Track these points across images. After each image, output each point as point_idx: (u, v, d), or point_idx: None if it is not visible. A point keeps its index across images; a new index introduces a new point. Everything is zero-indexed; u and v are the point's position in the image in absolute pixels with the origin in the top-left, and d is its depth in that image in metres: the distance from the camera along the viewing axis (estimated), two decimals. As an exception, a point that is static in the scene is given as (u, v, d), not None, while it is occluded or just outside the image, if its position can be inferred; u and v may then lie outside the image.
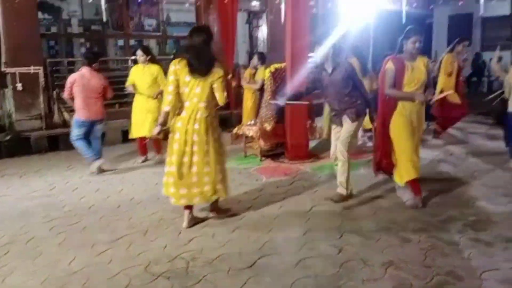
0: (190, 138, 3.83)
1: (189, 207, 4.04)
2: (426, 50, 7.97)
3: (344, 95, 4.42)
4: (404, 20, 10.93)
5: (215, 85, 3.84)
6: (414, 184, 4.31)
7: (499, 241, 3.51)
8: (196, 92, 3.82)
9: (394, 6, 11.22)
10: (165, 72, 5.91)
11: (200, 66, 3.80)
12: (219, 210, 4.31)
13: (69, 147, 7.57)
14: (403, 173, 4.29)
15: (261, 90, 7.13)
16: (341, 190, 4.57)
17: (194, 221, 4.07)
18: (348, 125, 4.44)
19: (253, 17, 12.73)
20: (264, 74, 7.04)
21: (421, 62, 4.17)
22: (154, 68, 6.29)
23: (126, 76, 9.45)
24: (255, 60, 7.83)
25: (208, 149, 3.88)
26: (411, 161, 4.22)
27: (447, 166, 5.87)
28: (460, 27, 15.28)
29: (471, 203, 4.38)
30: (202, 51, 3.82)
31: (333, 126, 4.71)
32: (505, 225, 3.82)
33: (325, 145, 7.30)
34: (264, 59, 7.81)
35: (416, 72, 4.14)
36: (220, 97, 3.87)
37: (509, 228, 3.76)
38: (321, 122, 7.81)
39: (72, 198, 5.03)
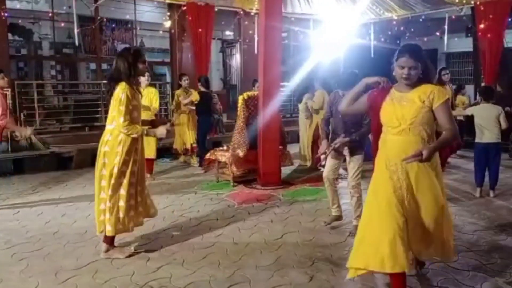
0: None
1: None
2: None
3: (353, 124, 4.27)
4: (372, 54, 11.38)
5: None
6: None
7: (466, 269, 3.57)
8: (110, 115, 3.82)
9: (363, 40, 11.64)
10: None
11: (107, 90, 3.88)
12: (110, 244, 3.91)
13: (35, 170, 7.40)
14: (352, 257, 3.03)
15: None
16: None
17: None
18: (352, 162, 4.36)
19: (226, 45, 12.93)
20: (195, 96, 7.72)
21: (415, 94, 2.83)
22: (152, 91, 6.78)
23: (97, 99, 9.40)
24: (199, 84, 8.10)
25: (101, 175, 3.77)
26: (373, 247, 2.84)
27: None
28: (426, 62, 15.91)
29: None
30: (111, 75, 3.90)
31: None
32: (472, 253, 3.90)
33: (296, 172, 7.39)
34: (207, 83, 8.17)
35: (403, 106, 2.84)
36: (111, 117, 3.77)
37: (476, 256, 3.83)
38: (300, 149, 7.92)
39: (36, 223, 4.85)
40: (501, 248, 4.03)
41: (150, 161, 6.71)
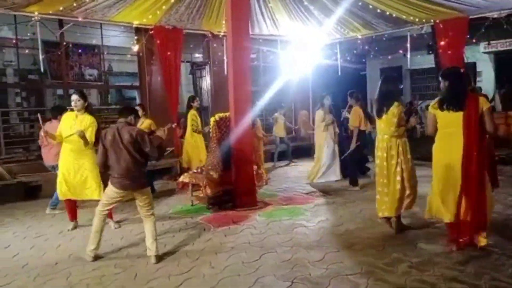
0: None
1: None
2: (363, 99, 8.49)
3: None
4: (340, 72, 11.64)
5: None
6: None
7: (443, 281, 3.62)
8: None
9: (330, 60, 11.90)
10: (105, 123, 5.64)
11: None
12: None
13: (1, 201, 7.13)
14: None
15: None
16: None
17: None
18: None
19: (196, 68, 12.95)
20: (146, 124, 7.29)
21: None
22: (88, 120, 5.35)
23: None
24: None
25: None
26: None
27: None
28: (391, 78, 16.40)
29: (413, 244, 4.53)
30: None
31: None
32: (446, 264, 3.97)
33: (272, 192, 7.39)
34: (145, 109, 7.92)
35: None
36: None
37: (450, 267, 3.90)
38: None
39: (4, 256, 4.65)
40: (475, 258, 4.10)
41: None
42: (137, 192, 4.38)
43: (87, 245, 4.48)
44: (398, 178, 4.74)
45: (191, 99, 8.42)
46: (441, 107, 4.15)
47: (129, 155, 4.26)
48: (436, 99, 4.28)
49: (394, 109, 4.71)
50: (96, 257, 4.45)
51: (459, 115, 4.03)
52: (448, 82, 4.19)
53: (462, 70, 4.31)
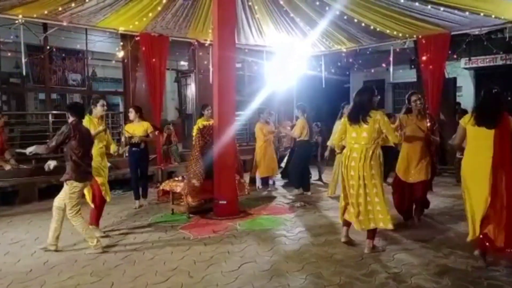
0: None
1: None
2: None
3: None
4: (324, 84, 11.74)
5: None
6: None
7: (419, 292, 3.65)
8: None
9: (314, 71, 12.01)
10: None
11: None
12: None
13: (-24, 206, 6.95)
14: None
15: None
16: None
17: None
18: None
19: (181, 75, 12.93)
20: (150, 127, 7.25)
21: None
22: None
23: (46, 130, 9.07)
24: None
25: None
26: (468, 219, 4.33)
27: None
28: (374, 91, 16.61)
29: (391, 256, 4.56)
30: None
31: None
32: (423, 276, 4.00)
33: (253, 201, 7.37)
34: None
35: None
36: None
37: (427, 279, 3.94)
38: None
39: (-25, 263, 4.53)
40: (452, 270, 4.15)
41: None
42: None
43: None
44: (375, 190, 4.51)
45: (203, 107, 8.08)
46: (478, 123, 4.23)
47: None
48: (470, 114, 4.38)
49: (379, 117, 4.51)
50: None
51: (491, 131, 4.14)
52: (484, 99, 4.34)
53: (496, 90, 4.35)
